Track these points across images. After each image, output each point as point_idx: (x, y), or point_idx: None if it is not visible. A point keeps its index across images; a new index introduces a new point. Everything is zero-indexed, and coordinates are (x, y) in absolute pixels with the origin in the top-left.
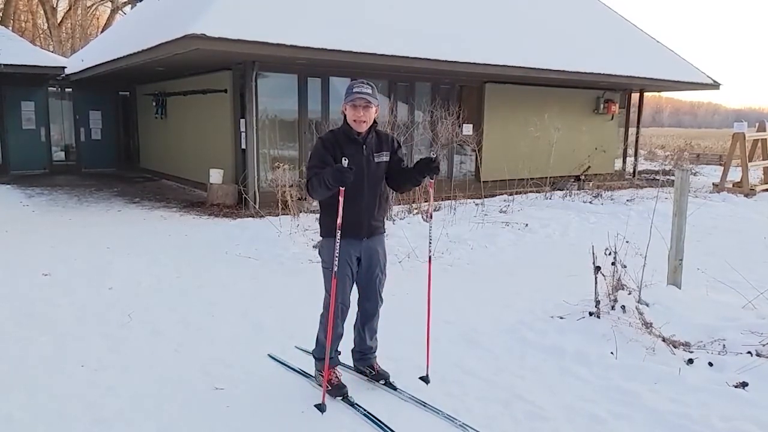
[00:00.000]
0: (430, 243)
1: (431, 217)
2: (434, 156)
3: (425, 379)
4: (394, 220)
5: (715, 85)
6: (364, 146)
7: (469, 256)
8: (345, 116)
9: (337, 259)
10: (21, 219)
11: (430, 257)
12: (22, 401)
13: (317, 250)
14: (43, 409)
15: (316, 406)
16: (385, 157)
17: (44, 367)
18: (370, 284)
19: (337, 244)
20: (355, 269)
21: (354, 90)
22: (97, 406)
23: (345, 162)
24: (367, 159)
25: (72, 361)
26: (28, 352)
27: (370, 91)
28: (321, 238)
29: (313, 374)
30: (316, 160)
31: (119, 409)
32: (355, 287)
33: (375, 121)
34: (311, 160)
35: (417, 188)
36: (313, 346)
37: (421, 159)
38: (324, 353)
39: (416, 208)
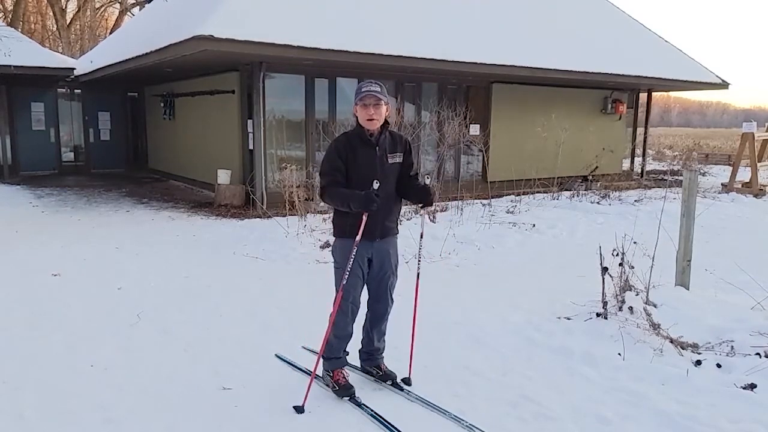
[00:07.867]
0: (419, 261)
1: (423, 232)
2: (425, 183)
3: (407, 381)
4: (401, 221)
5: (724, 85)
6: (377, 147)
7: (476, 256)
8: (357, 118)
9: (350, 262)
10: (31, 219)
11: (418, 269)
12: (33, 400)
13: (330, 250)
14: (53, 408)
15: (294, 407)
16: (398, 158)
17: (54, 366)
18: (380, 285)
19: (355, 249)
20: (366, 270)
21: (363, 89)
22: (106, 405)
23: (376, 185)
24: (380, 160)
25: (82, 361)
26: (38, 351)
27: (378, 89)
28: (334, 238)
29: (320, 374)
30: (327, 166)
31: (128, 408)
32: (365, 288)
33: (387, 121)
34: (323, 166)
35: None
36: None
37: (419, 188)
38: (332, 353)
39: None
